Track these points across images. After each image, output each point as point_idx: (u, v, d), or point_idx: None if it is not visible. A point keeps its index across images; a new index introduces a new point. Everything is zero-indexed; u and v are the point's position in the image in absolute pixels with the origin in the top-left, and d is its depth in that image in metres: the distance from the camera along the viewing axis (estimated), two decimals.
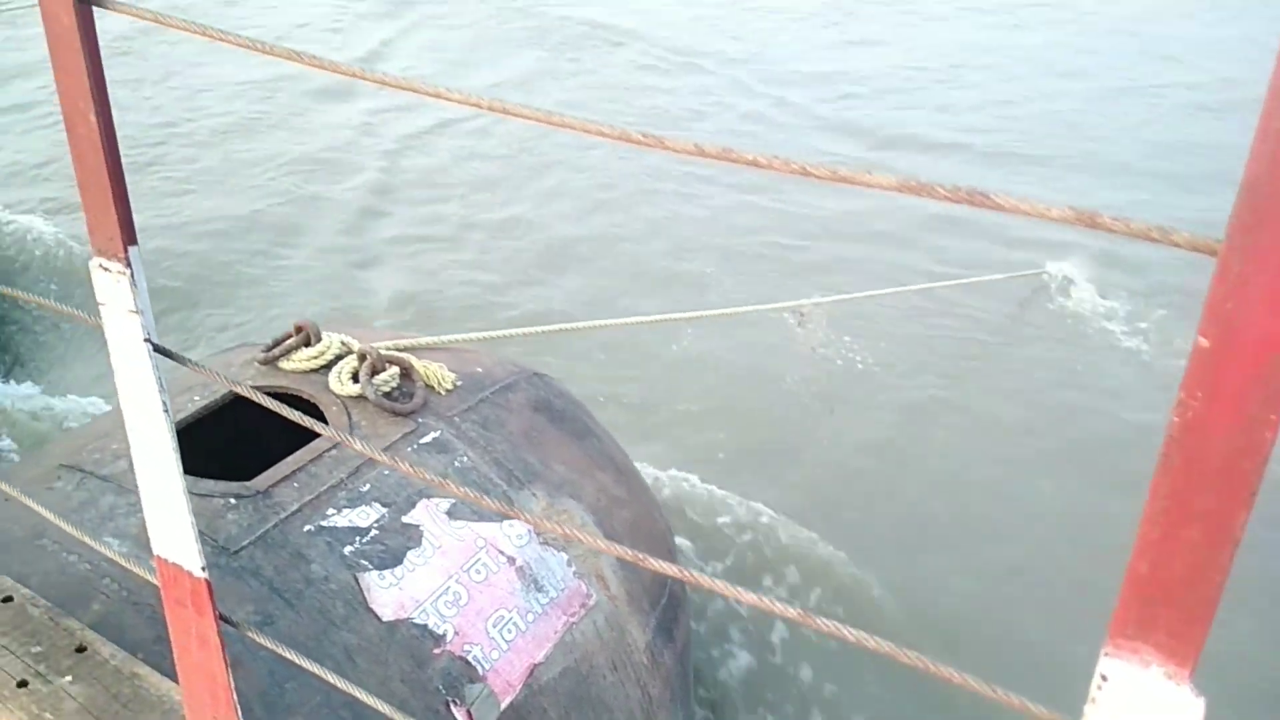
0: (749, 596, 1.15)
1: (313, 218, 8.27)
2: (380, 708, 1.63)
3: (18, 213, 7.89)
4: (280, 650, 1.73)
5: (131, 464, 3.12)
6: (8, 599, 2.38)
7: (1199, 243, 0.80)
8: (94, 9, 1.31)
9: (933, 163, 9.25)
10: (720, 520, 4.96)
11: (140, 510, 2.94)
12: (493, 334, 4.19)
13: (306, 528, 3.01)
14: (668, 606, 3.71)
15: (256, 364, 3.58)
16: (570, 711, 3.15)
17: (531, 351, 5.21)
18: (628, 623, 3.46)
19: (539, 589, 3.27)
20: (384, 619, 2.94)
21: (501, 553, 3.23)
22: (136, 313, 1.38)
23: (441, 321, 6.42)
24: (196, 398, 3.37)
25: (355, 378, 3.46)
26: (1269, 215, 0.74)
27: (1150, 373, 6.41)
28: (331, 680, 1.67)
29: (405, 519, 3.17)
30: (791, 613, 1.14)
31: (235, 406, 3.43)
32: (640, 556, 1.21)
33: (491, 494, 3.36)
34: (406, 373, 3.55)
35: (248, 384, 3.50)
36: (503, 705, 2.98)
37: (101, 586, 2.72)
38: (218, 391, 3.39)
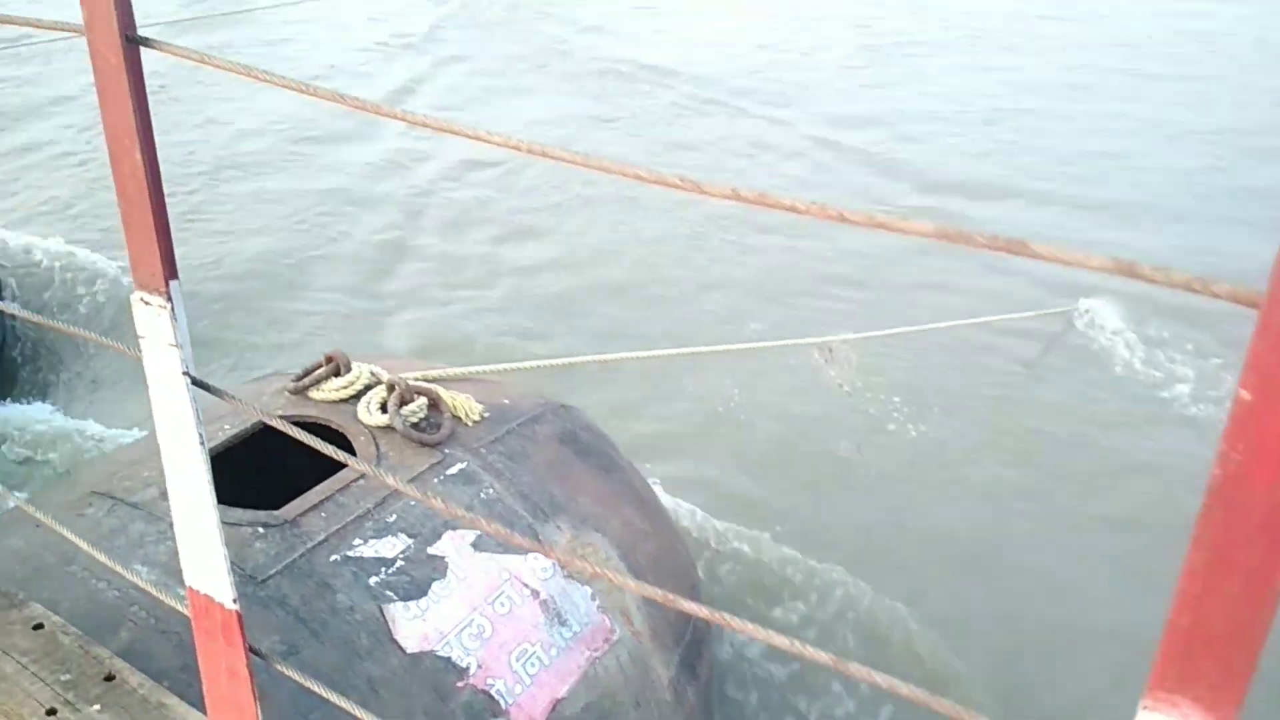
0: (780, 640, 1.14)
1: (339, 255, 8.33)
2: None
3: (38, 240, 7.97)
4: (306, 682, 1.73)
5: (162, 492, 3.15)
6: (38, 626, 2.40)
7: (1240, 295, 0.80)
8: (141, 49, 1.35)
9: (983, 208, 9.08)
10: (745, 556, 4.93)
11: (169, 538, 2.97)
12: (520, 365, 4.20)
13: (333, 557, 3.02)
14: (692, 643, 3.68)
15: (287, 393, 3.61)
16: None
17: (558, 383, 5.22)
18: (651, 658, 3.44)
19: (563, 623, 3.26)
20: (408, 651, 2.94)
21: (526, 585, 3.23)
22: (176, 346, 1.40)
23: (469, 355, 6.45)
24: (227, 426, 3.40)
25: (384, 408, 3.48)
26: None
27: (1185, 417, 6.30)
28: (355, 713, 1.67)
29: (431, 550, 3.17)
30: (824, 657, 1.13)
31: (265, 434, 3.45)
32: (671, 598, 1.20)
33: (516, 526, 3.36)
34: (434, 404, 3.57)
35: (278, 413, 3.53)
36: None
37: (130, 614, 2.74)
38: (248, 420, 3.42)
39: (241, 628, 1.62)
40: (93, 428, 5.97)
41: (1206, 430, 6.08)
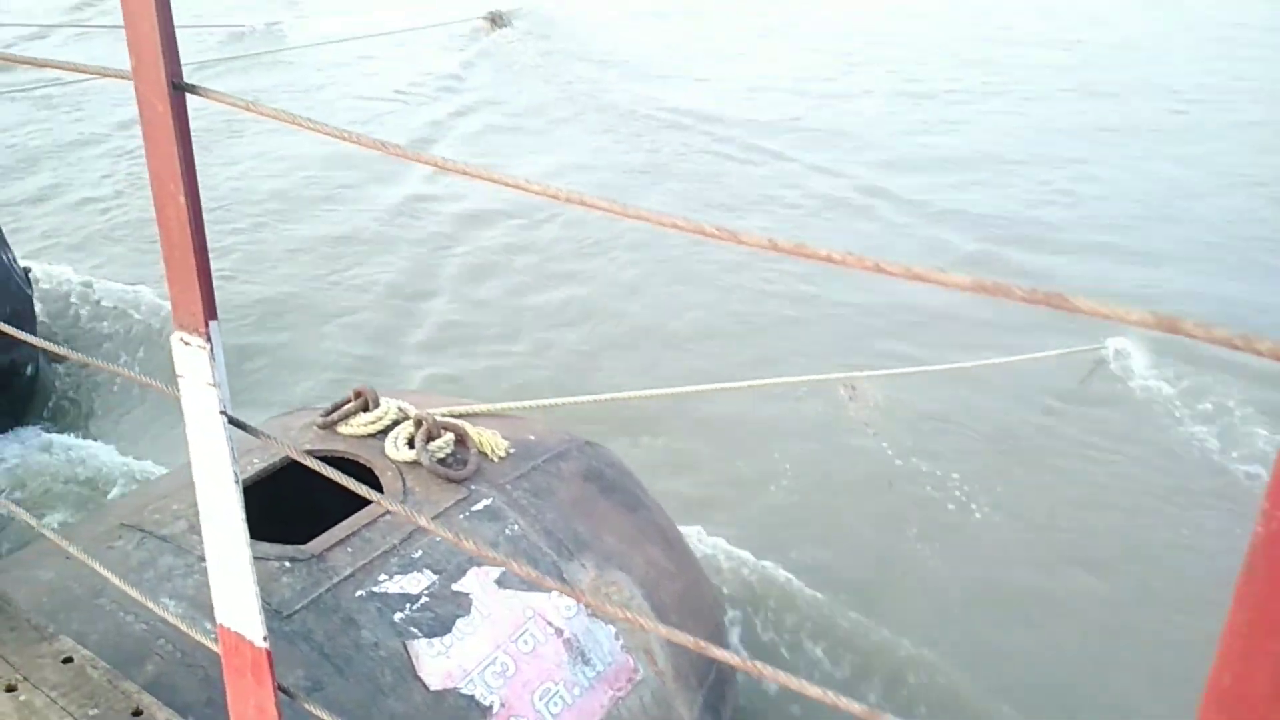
0: (814, 690, 1.14)
1: (362, 297, 8.37)
2: None
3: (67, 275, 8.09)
4: (331, 719, 1.73)
5: (190, 525, 3.18)
6: (68, 660, 2.42)
7: None
8: (187, 95, 1.38)
9: (1037, 257, 8.90)
10: (773, 597, 4.88)
11: (196, 571, 2.99)
12: (546, 402, 4.22)
13: (358, 593, 3.03)
14: (715, 683, 3.65)
15: (316, 427, 3.64)
16: None
17: (583, 419, 5.22)
18: (675, 699, 3.41)
19: (586, 662, 3.24)
20: (431, 688, 2.93)
21: (550, 623, 3.22)
22: (214, 385, 1.42)
23: (495, 392, 6.45)
24: (256, 460, 3.42)
25: (411, 443, 3.50)
26: None
27: (1215, 465, 6.17)
28: None
29: (455, 586, 3.17)
30: (856, 708, 1.12)
31: (293, 467, 3.48)
32: (703, 645, 1.20)
33: (541, 563, 3.36)
34: (461, 439, 3.58)
35: (306, 448, 3.56)
36: None
37: (156, 647, 2.75)
38: (277, 455, 3.44)
39: (271, 666, 1.63)
40: (121, 459, 6.02)
41: (1237, 479, 5.98)
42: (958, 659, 4.68)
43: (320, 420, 3.65)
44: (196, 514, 1.62)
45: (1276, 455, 0.79)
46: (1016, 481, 6.11)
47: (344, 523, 3.21)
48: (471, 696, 2.97)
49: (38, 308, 6.84)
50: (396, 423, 3.61)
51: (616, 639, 3.34)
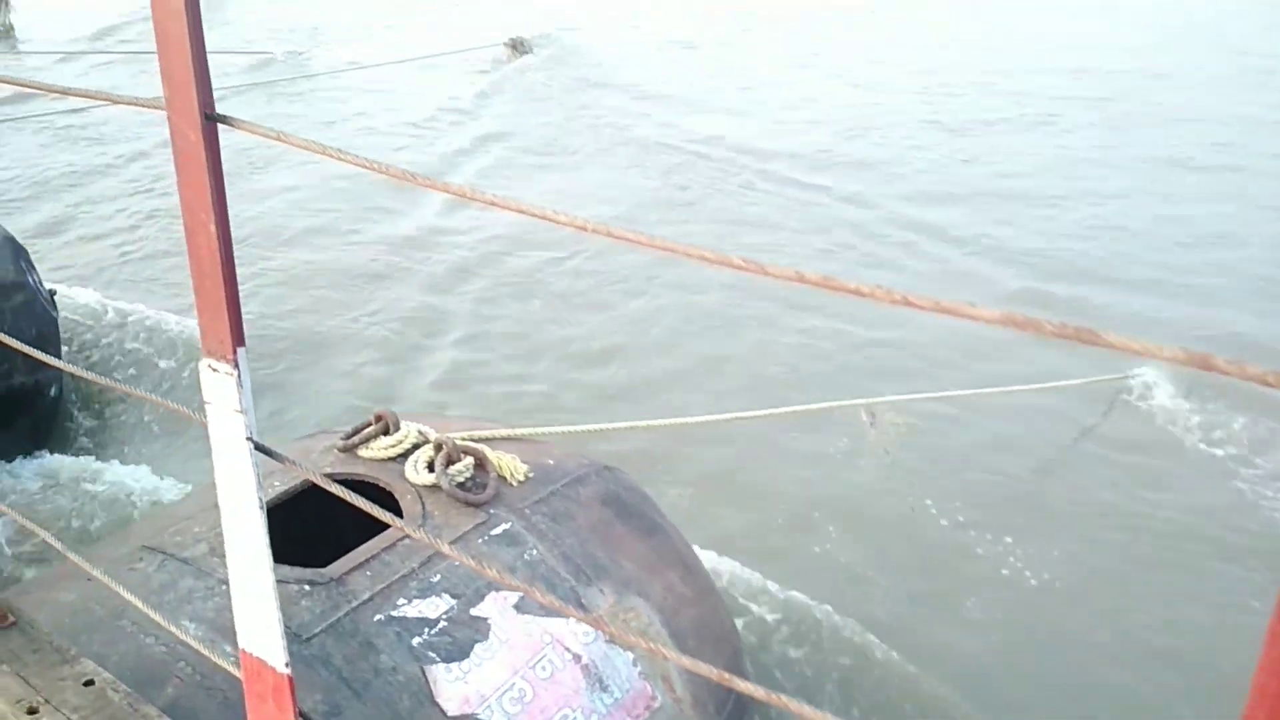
0: None
1: (386, 322, 8.39)
2: None
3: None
4: None
5: (211, 548, 3.19)
6: (89, 683, 2.43)
7: None
8: (219, 126, 1.39)
9: (1089, 294, 8.71)
10: (792, 626, 4.85)
11: (217, 594, 2.99)
12: (567, 429, 4.22)
13: (377, 617, 3.03)
14: (734, 711, 3.63)
15: (336, 450, 3.65)
16: None
17: (603, 445, 5.21)
18: None
19: (604, 689, 3.23)
20: (449, 713, 2.92)
21: (568, 649, 3.21)
22: (241, 412, 1.43)
23: (515, 416, 6.46)
24: (277, 483, 3.44)
25: (431, 467, 3.50)
26: None
27: (1245, 500, 6.09)
28: None
29: (474, 611, 3.17)
30: None
31: (313, 489, 3.49)
32: (726, 676, 1.19)
33: (559, 589, 3.35)
34: (480, 463, 3.59)
35: (326, 471, 3.57)
36: None
37: (176, 670, 2.76)
38: (297, 478, 3.46)
39: (292, 691, 1.63)
40: (143, 481, 6.05)
41: (1265, 512, 5.91)
42: (976, 696, 4.62)
43: (341, 443, 3.66)
44: (217, 536, 1.63)
45: None
46: (1038, 509, 6.06)
47: (363, 546, 3.22)
48: None
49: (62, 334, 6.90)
50: (416, 446, 3.62)
51: (634, 665, 3.32)
